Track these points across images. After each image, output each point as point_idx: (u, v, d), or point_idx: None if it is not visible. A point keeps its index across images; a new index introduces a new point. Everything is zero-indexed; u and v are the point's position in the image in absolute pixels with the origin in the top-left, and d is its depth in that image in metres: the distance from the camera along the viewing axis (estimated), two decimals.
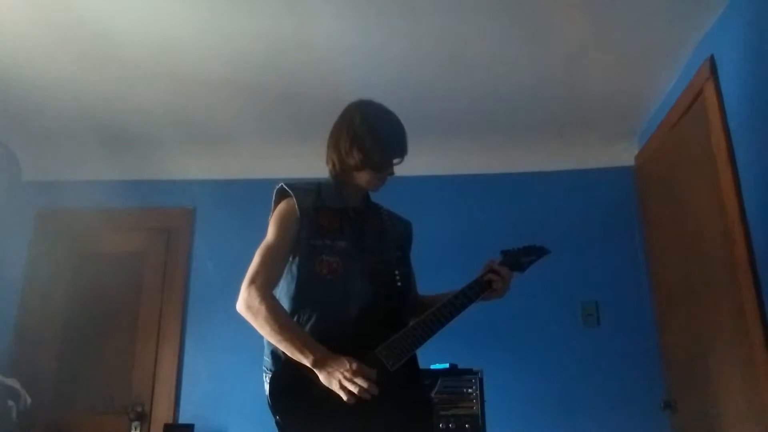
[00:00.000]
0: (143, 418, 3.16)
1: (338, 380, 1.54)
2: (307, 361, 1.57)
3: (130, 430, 3.13)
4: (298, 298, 1.71)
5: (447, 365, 2.40)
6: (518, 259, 1.89)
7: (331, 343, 1.61)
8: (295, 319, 1.70)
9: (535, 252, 1.94)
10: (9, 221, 3.37)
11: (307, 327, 1.68)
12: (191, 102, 2.96)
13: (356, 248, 1.77)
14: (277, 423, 1.59)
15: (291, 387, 1.61)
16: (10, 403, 2.85)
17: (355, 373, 1.54)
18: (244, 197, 3.37)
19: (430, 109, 3.01)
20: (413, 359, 1.70)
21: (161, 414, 3.18)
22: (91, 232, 3.49)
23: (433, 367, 2.38)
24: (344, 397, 1.54)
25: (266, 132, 3.27)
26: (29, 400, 2.93)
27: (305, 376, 1.58)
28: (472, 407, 2.31)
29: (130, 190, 3.50)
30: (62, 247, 3.45)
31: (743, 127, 2.16)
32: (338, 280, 1.71)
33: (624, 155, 3.30)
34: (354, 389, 1.53)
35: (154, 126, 3.19)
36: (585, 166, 3.35)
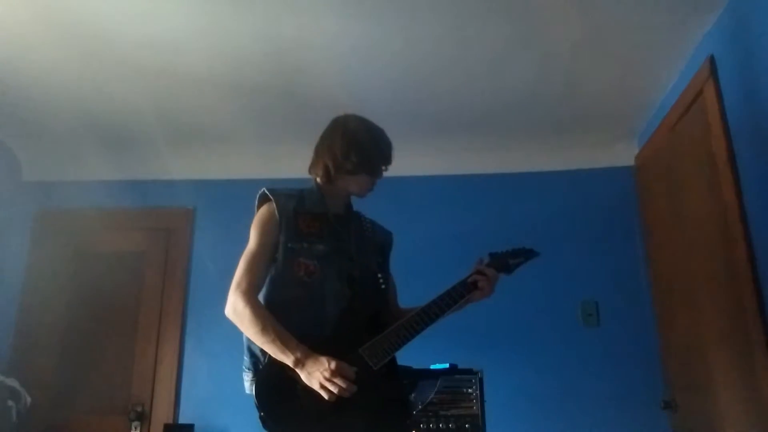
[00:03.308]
0: (143, 418, 3.16)
1: (318, 380, 1.59)
2: (288, 361, 1.63)
3: (130, 430, 3.14)
4: (275, 300, 1.75)
5: (447, 365, 2.40)
6: (506, 261, 1.91)
7: (310, 344, 1.65)
8: None
9: (524, 254, 1.95)
10: (9, 221, 3.37)
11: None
12: (191, 102, 2.96)
13: (335, 252, 1.80)
14: (261, 418, 1.63)
15: (276, 384, 1.65)
16: (10, 403, 2.85)
17: (333, 373, 1.59)
18: (244, 197, 3.31)
19: (430, 109, 3.01)
20: (392, 358, 1.72)
21: (161, 414, 3.18)
22: (91, 232, 3.48)
23: (433, 367, 2.38)
24: (325, 396, 1.59)
25: (266, 132, 3.27)
26: (29, 400, 2.93)
27: (289, 375, 1.63)
28: (472, 407, 2.31)
29: (130, 190, 3.50)
30: (62, 247, 3.44)
31: (743, 127, 2.16)
32: (314, 282, 1.74)
33: (624, 155, 3.30)
34: (333, 389, 1.58)
35: (154, 126, 3.18)
36: (585, 166, 3.35)
